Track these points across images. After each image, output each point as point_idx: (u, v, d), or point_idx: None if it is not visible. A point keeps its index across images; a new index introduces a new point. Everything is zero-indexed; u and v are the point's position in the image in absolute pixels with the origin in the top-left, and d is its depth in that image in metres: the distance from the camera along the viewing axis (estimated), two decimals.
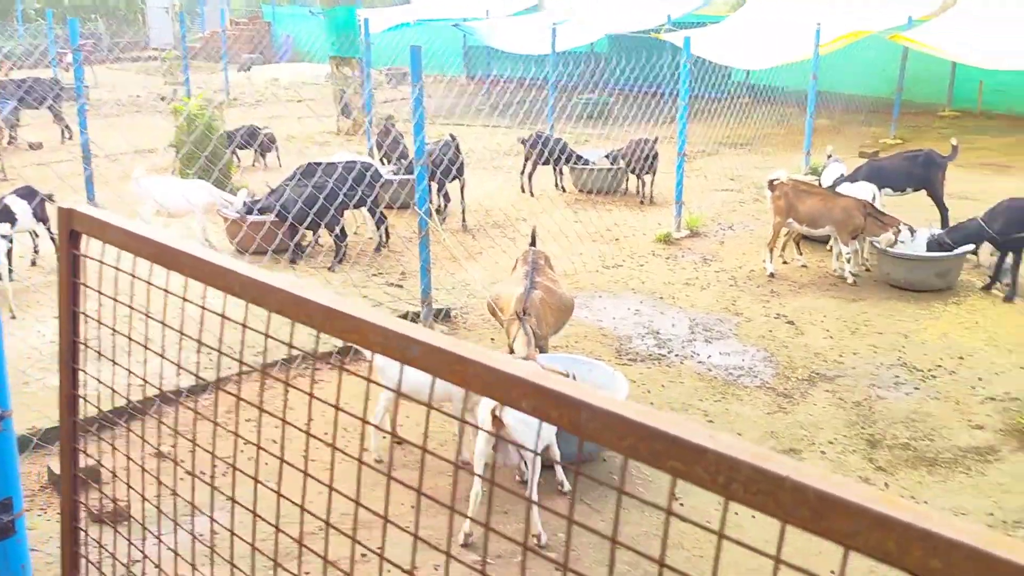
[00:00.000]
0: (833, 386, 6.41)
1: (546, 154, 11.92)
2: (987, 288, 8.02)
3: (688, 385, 6.50)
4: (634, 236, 10.36)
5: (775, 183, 8.63)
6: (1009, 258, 7.84)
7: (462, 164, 10.10)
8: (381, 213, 9.29)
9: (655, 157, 11.51)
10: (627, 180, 12.41)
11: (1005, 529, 4.64)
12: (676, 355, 7.05)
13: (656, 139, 11.59)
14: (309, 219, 8.06)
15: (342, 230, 8.78)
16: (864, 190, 8.85)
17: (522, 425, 4.22)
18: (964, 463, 5.33)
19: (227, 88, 20.94)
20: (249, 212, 8.72)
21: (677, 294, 8.46)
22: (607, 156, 12.22)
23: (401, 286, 8.31)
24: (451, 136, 10.10)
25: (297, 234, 8.63)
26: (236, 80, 23.20)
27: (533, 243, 6.56)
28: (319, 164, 9.00)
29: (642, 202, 11.85)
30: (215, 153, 10.63)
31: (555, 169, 12.46)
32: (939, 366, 6.67)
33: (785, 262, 9.13)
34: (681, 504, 4.91)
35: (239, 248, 8.69)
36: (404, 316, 7.31)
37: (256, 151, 13.79)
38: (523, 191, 12.26)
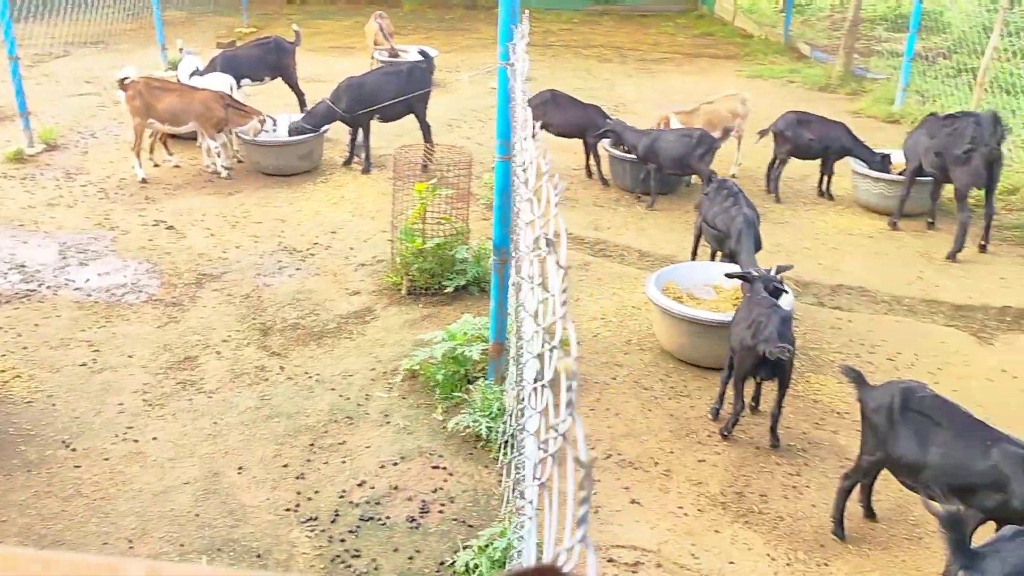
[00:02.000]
0: (221, 284, 6.39)
1: None
2: (347, 163, 8.71)
3: (66, 317, 5.88)
4: None
5: (126, 82, 8.01)
6: (360, 133, 8.56)
7: None
8: None
9: None
10: None
11: (386, 378, 5.22)
12: (48, 287, 6.30)
13: None
14: None
15: None
16: (221, 81, 8.74)
17: None
18: (347, 328, 5.82)
19: None
20: None
21: (40, 218, 7.51)
22: None
23: None
24: None
25: None
26: None
27: None
28: None
29: None
30: None
31: None
32: (316, 243, 7.10)
33: (156, 165, 8.68)
34: (73, 449, 4.49)
35: None
36: None
37: None
38: None
